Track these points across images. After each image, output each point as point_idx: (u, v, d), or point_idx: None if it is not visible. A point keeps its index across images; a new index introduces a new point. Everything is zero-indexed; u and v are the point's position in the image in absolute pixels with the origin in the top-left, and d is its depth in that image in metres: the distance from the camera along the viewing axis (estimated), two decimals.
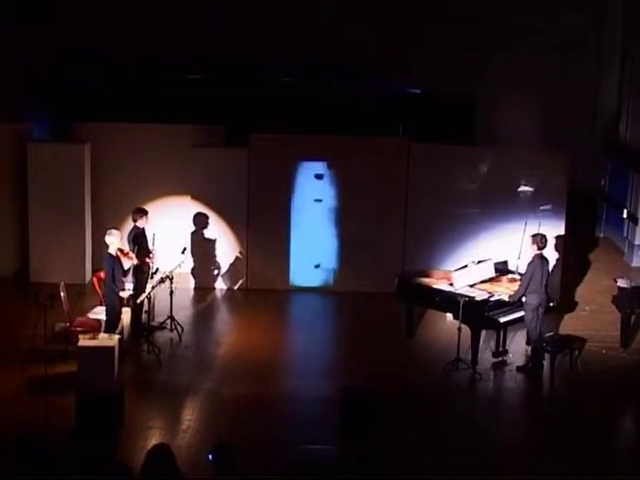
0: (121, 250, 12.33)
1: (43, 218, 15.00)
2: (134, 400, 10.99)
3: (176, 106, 16.88)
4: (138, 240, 12.99)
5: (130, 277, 12.52)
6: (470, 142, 16.90)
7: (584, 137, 19.14)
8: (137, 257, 12.67)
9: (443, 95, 17.68)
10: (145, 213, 13.26)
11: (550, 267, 12.62)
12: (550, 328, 12.75)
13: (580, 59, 19.27)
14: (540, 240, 12.30)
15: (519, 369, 12.46)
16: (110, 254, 12.15)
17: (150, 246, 13.14)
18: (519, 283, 12.70)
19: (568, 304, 14.44)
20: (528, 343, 12.76)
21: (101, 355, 11.36)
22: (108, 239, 12.23)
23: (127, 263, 12.36)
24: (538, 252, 12.30)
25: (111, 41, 18.14)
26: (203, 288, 15.30)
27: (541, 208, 14.81)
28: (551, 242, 13.11)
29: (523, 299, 12.33)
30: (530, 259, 12.36)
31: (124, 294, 12.31)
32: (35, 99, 17.07)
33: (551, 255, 13.23)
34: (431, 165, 15.17)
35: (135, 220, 13.15)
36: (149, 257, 13.01)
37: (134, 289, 12.66)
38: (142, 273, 12.87)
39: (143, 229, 13.16)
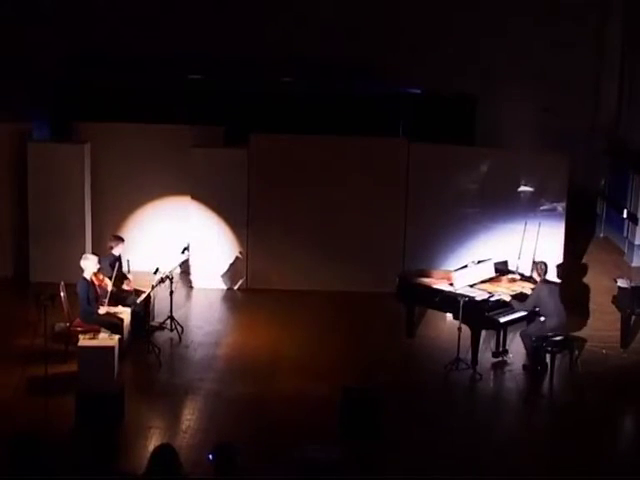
0: (96, 275, 12.43)
1: (43, 218, 15.00)
2: (134, 400, 10.98)
3: (176, 106, 16.88)
4: (113, 266, 13.05)
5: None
6: (470, 142, 16.90)
7: (584, 137, 19.16)
8: (114, 284, 12.77)
9: (443, 95, 17.69)
10: (121, 241, 13.42)
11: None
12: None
13: (580, 59, 19.29)
14: (540, 267, 12.45)
15: (525, 367, 12.48)
16: (84, 278, 12.27)
17: (125, 272, 13.39)
18: (519, 284, 12.74)
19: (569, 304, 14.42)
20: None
21: (101, 355, 11.37)
22: (83, 263, 12.39)
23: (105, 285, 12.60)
24: (541, 278, 12.38)
25: (111, 41, 18.15)
26: (203, 288, 15.31)
27: (543, 208, 14.80)
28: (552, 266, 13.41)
29: (542, 319, 12.32)
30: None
31: (102, 310, 12.43)
32: (35, 99, 17.07)
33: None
34: (431, 165, 15.16)
35: (111, 248, 13.28)
36: (126, 283, 13.19)
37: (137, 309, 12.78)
38: (127, 298, 12.96)
39: (119, 256, 13.27)
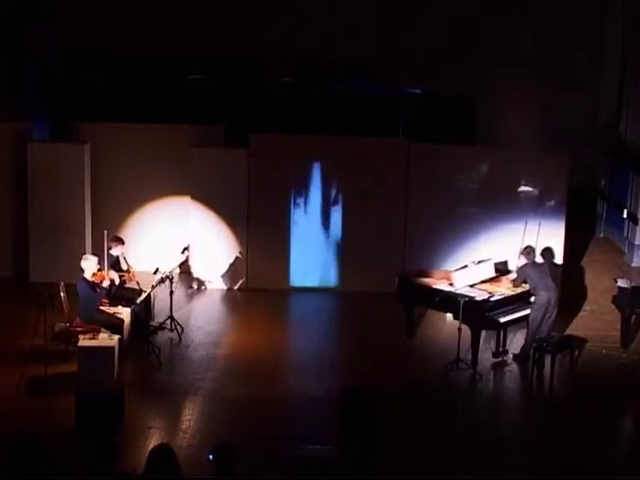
0: (96, 275, 12.40)
1: (43, 218, 15.00)
2: (134, 400, 10.98)
3: (176, 106, 16.88)
4: (114, 267, 13.06)
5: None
6: (470, 142, 16.90)
7: (584, 137, 19.16)
8: (120, 282, 12.84)
9: (443, 95, 17.69)
10: (121, 242, 13.36)
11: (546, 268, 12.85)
12: (552, 329, 12.75)
13: (580, 59, 19.30)
14: (528, 252, 12.71)
15: (515, 357, 12.62)
16: (85, 278, 12.26)
17: (125, 267, 13.30)
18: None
19: (568, 304, 14.43)
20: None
21: (101, 355, 11.36)
22: (84, 264, 12.36)
23: (106, 282, 12.53)
24: (527, 261, 12.66)
25: (111, 41, 18.16)
26: (203, 288, 15.32)
27: (541, 208, 14.82)
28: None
29: (532, 299, 12.45)
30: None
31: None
32: (35, 99, 17.08)
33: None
34: (431, 165, 15.16)
35: (110, 248, 13.22)
36: (130, 278, 13.17)
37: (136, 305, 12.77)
38: (132, 291, 12.97)
39: (117, 257, 13.26)
